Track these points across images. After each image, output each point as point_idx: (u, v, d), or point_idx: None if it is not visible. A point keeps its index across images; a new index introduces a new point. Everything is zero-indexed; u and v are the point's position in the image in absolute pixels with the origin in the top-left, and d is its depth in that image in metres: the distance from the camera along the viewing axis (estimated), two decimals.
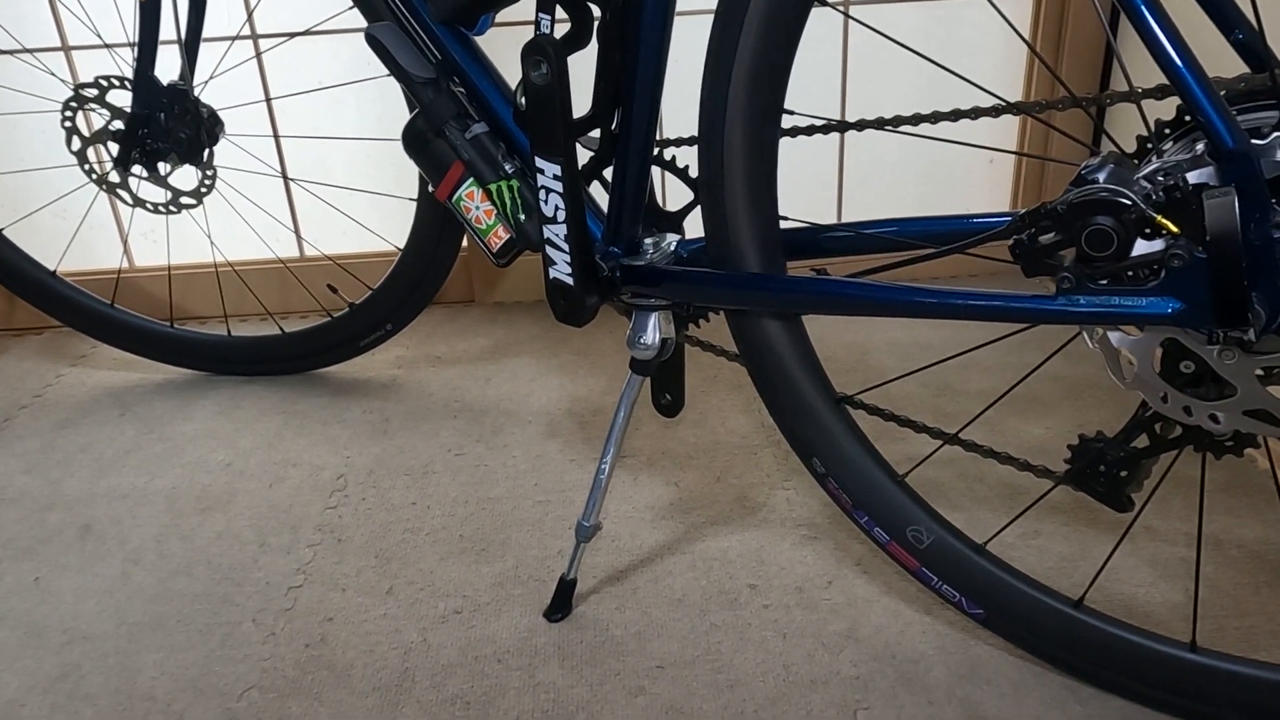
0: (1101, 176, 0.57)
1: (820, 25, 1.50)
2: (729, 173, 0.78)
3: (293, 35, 1.47)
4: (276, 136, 1.54)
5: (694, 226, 0.89)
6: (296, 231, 1.62)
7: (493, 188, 0.91)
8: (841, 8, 1.50)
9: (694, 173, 0.87)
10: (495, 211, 0.92)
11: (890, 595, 0.95)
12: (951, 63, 1.52)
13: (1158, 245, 0.58)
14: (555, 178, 0.80)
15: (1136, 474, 0.74)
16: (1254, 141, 0.56)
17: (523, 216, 0.90)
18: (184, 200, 1.26)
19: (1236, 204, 0.53)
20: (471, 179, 0.91)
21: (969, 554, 0.83)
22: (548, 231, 0.83)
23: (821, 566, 0.99)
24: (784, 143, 0.78)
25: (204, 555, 1.07)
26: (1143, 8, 0.56)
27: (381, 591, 1.00)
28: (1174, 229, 0.56)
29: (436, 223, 1.24)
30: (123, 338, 1.45)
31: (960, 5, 1.51)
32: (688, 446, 1.21)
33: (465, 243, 1.54)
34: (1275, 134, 0.56)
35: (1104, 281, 0.59)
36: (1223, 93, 0.56)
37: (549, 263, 0.85)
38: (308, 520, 1.12)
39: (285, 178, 1.57)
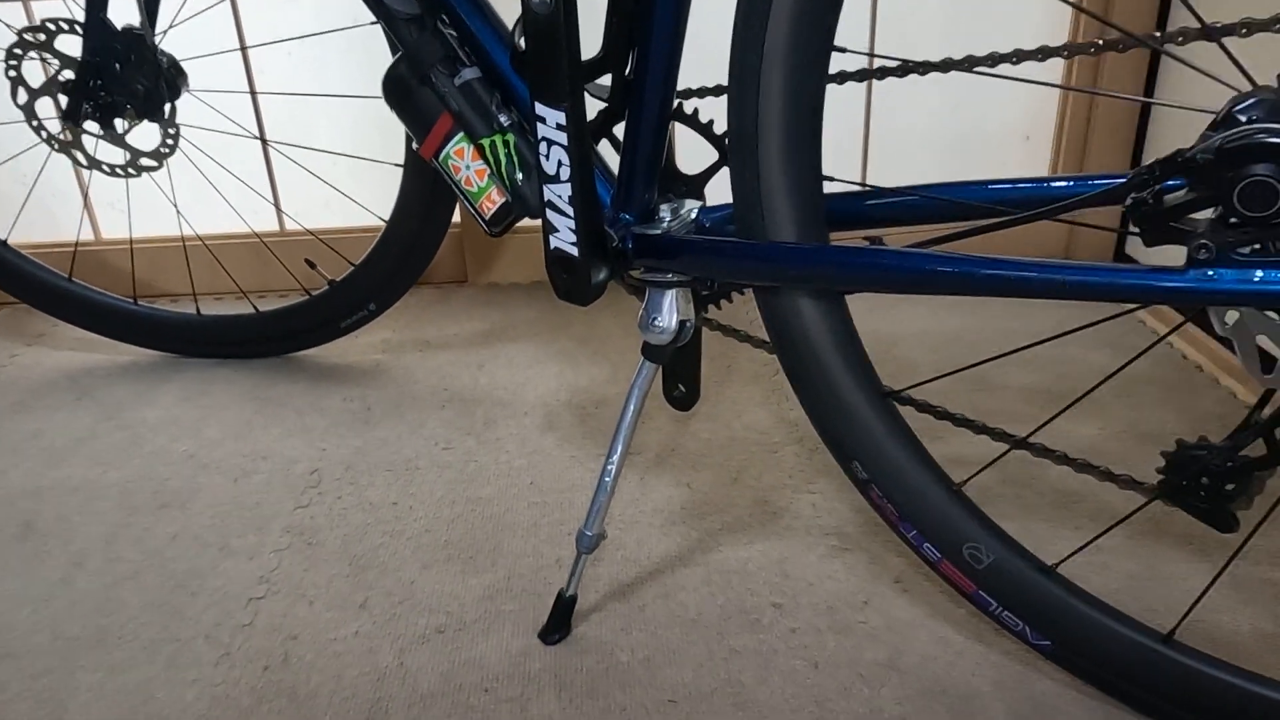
0: (1259, 115, 0.45)
1: None
2: (765, 124, 0.66)
3: None
4: (253, 92, 1.41)
5: (717, 193, 0.76)
6: (276, 202, 1.49)
7: (485, 143, 0.78)
8: None
9: (720, 129, 0.75)
10: (488, 172, 0.79)
11: (936, 619, 0.83)
12: (989, 7, 1.39)
13: None
14: (558, 127, 0.68)
15: (1247, 488, 0.63)
16: None
17: (520, 176, 0.78)
18: (144, 162, 1.13)
19: None
20: (461, 133, 0.79)
21: (1036, 577, 0.71)
22: (548, 193, 0.71)
23: (855, 583, 0.88)
24: None
25: (157, 559, 0.95)
26: None
27: (355, 605, 0.88)
28: None
29: (425, 190, 1.12)
30: (81, 314, 1.33)
31: None
32: (701, 443, 1.09)
33: (458, 215, 1.42)
34: None
35: (1251, 251, 0.47)
36: None
37: (550, 230, 0.73)
38: (276, 520, 1.00)
39: (263, 139, 1.44)
